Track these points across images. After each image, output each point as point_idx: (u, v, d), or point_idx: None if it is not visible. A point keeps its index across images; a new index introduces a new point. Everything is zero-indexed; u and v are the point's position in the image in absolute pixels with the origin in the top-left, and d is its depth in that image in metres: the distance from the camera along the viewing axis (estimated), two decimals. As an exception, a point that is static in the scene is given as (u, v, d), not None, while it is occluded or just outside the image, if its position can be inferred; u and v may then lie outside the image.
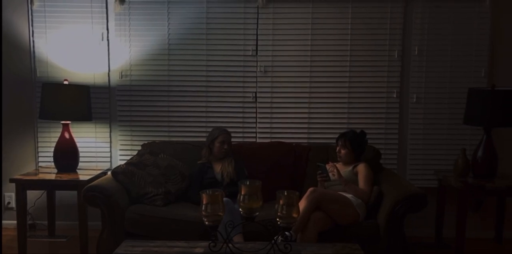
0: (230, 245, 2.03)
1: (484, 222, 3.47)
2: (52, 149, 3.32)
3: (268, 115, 3.58)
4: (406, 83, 3.53)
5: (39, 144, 3.61)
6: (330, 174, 2.91)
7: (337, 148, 3.07)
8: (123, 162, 3.22)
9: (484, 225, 3.47)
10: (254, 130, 3.59)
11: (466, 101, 3.16)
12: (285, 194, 1.99)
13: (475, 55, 3.47)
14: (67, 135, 3.30)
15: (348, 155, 3.03)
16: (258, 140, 3.57)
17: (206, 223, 1.99)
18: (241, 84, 3.56)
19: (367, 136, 3.09)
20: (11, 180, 3.11)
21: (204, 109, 3.58)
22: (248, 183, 2.02)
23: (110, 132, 3.62)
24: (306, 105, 3.55)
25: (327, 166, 2.93)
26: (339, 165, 3.03)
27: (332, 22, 3.49)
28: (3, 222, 3.49)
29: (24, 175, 3.24)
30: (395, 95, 3.53)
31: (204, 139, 3.27)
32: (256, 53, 3.53)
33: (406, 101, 3.54)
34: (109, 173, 3.13)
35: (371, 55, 3.50)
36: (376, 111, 3.54)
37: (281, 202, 1.98)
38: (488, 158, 3.09)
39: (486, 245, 3.38)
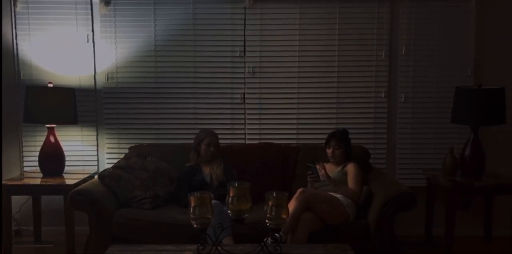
0: (219, 247, 2.01)
1: (473, 220, 3.49)
2: (37, 153, 3.27)
3: (257, 116, 3.56)
4: (394, 83, 3.54)
5: (24, 148, 3.54)
6: (320, 174, 2.91)
7: (330, 149, 3.05)
8: (110, 166, 3.17)
9: (473, 223, 3.49)
10: (243, 131, 3.57)
11: (453, 100, 3.18)
12: (274, 195, 1.98)
13: (461, 54, 3.49)
14: (52, 139, 3.25)
15: (342, 154, 3.03)
16: (247, 141, 3.56)
17: (195, 226, 1.97)
18: (229, 86, 3.54)
19: (356, 136, 3.10)
20: (-5, 185, 3.05)
21: (192, 111, 3.55)
22: (236, 185, 2.00)
23: (97, 135, 3.57)
24: (295, 106, 3.55)
25: (317, 167, 2.92)
26: (328, 166, 3.02)
27: (320, 22, 3.48)
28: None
29: (8, 180, 3.19)
30: (383, 95, 3.54)
31: (192, 141, 3.24)
32: (244, 54, 3.52)
33: (395, 100, 3.55)
34: (96, 176, 3.09)
35: (358, 55, 3.50)
36: (364, 111, 3.54)
37: (270, 203, 1.97)
38: (475, 156, 3.10)
39: (475, 243, 3.40)
